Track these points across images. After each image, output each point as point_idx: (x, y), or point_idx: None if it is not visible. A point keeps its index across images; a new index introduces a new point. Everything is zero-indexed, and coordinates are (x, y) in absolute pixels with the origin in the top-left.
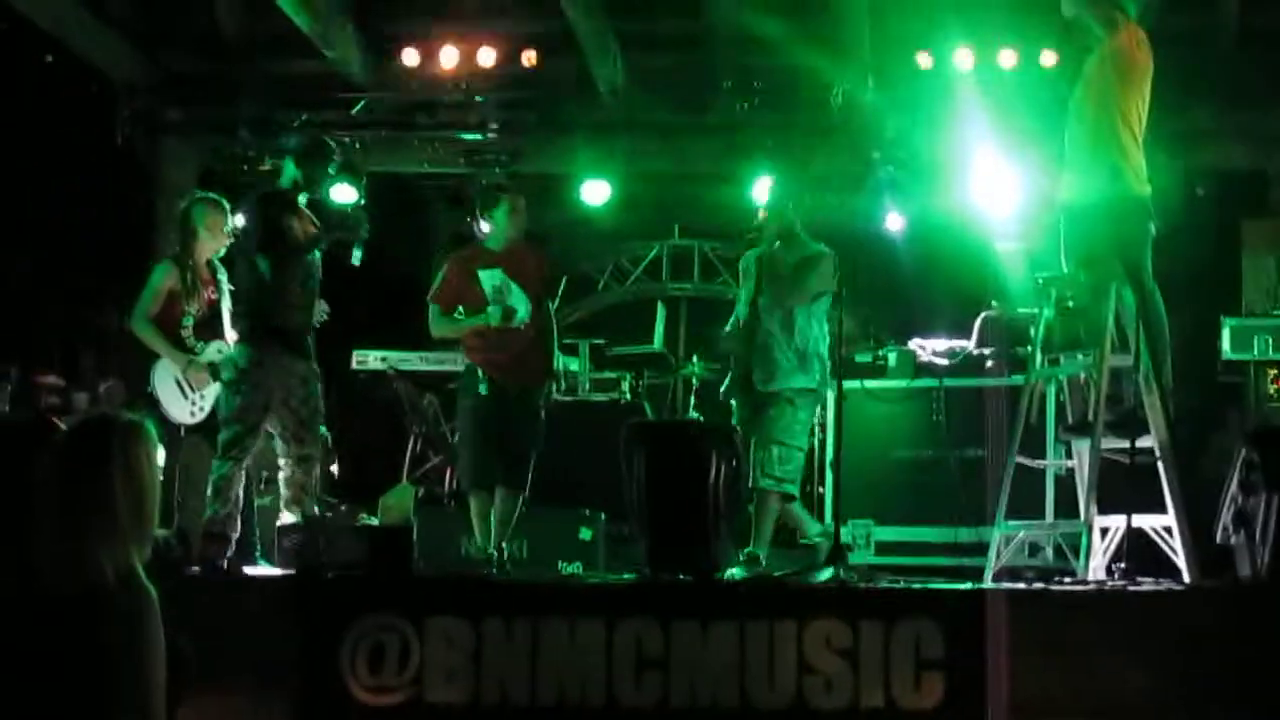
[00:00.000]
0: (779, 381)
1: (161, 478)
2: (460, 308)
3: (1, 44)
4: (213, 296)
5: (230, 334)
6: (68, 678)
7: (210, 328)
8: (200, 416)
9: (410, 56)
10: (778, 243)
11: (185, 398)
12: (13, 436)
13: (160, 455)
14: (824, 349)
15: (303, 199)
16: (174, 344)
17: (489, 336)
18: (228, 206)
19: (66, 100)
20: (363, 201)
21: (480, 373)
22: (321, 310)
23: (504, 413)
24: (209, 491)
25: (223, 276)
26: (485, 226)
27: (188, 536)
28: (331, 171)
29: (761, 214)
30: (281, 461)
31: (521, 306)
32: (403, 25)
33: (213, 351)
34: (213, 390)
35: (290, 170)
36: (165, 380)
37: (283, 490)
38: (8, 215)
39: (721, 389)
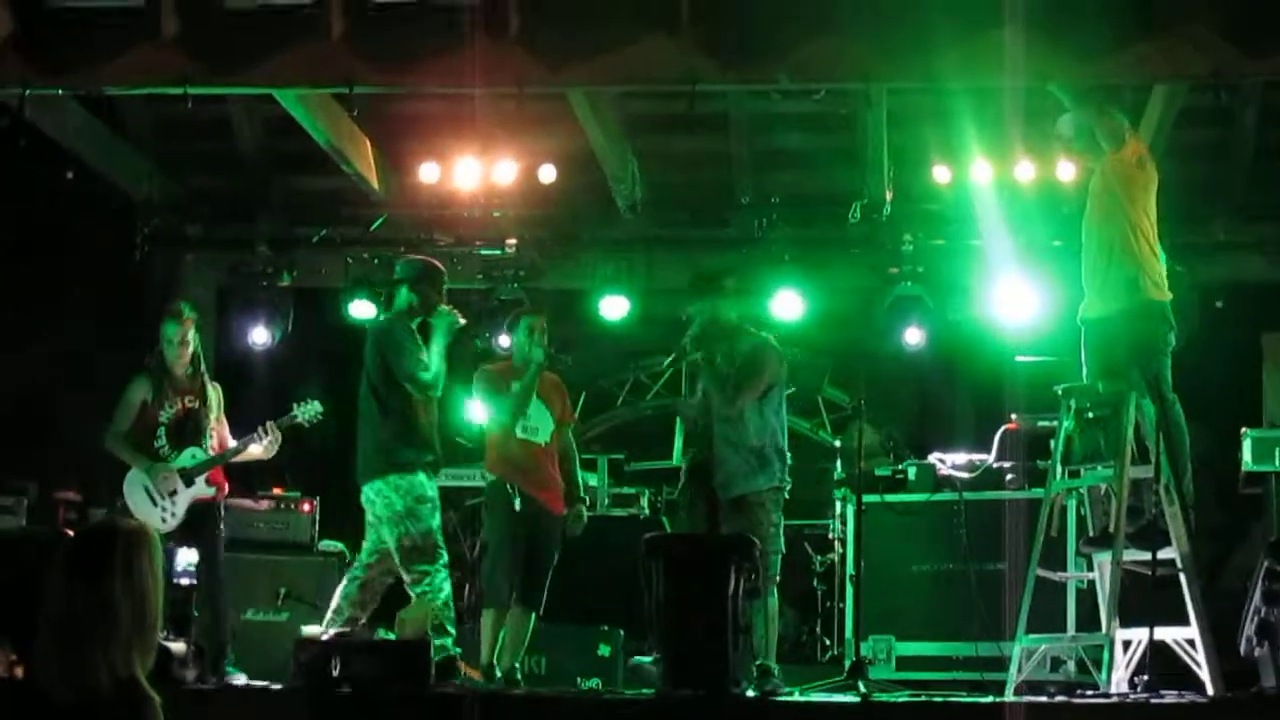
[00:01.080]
0: (739, 487)
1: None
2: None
3: (23, 160)
4: (189, 404)
5: (211, 442)
6: None
7: (184, 435)
8: (172, 523)
9: (429, 172)
10: (718, 343)
11: (155, 504)
12: (28, 550)
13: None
14: (783, 443)
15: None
16: (146, 453)
17: (517, 455)
18: (189, 315)
19: (86, 217)
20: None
21: (511, 487)
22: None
23: (533, 529)
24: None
25: (210, 388)
26: (504, 341)
27: (203, 650)
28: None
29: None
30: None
31: (543, 424)
32: (421, 141)
33: (186, 457)
34: (184, 496)
35: (404, 296)
36: (134, 489)
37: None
38: (27, 331)
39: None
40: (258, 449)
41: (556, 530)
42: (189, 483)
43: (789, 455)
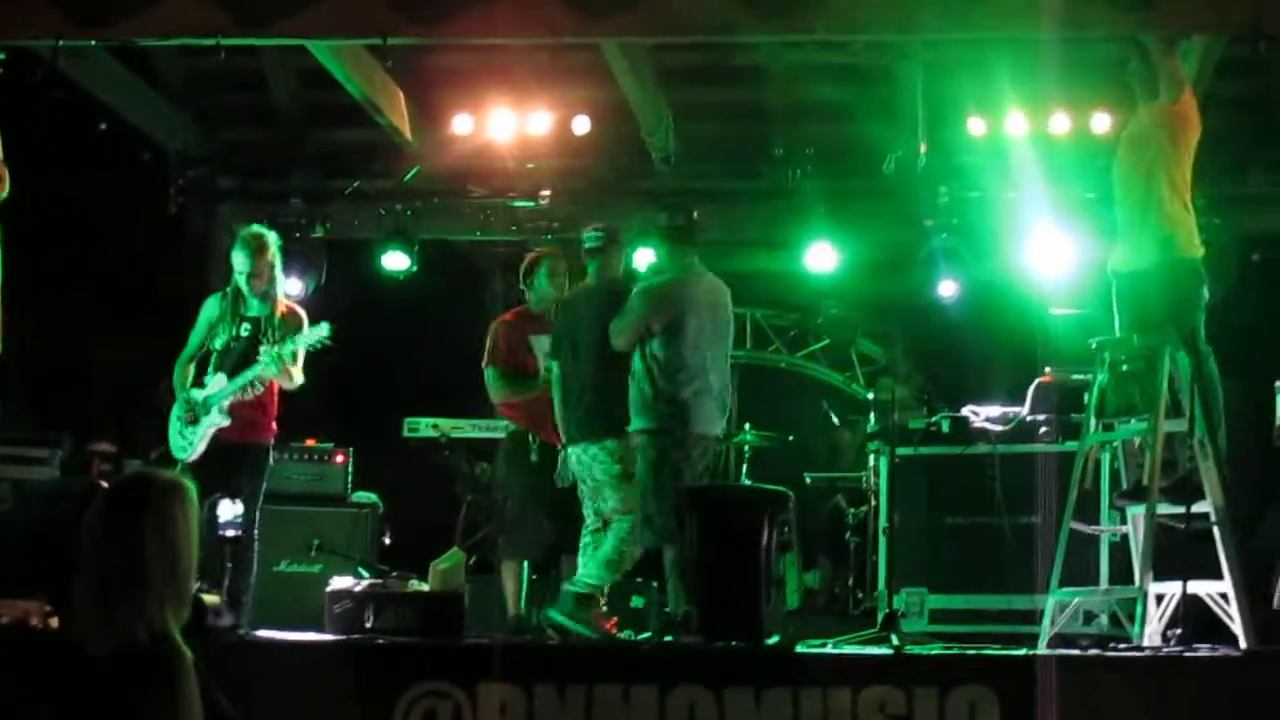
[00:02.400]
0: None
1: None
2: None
3: (57, 113)
4: (244, 333)
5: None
6: None
7: (227, 363)
8: (191, 454)
9: (462, 124)
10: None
11: (179, 434)
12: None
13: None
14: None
15: None
16: (197, 380)
17: (539, 406)
18: (254, 242)
19: (121, 169)
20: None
21: (531, 438)
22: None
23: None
24: None
25: (275, 321)
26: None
27: (237, 600)
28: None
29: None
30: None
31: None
32: (455, 93)
33: (209, 385)
34: (202, 424)
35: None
36: (170, 418)
37: None
38: (61, 283)
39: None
40: (269, 375)
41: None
42: (205, 410)
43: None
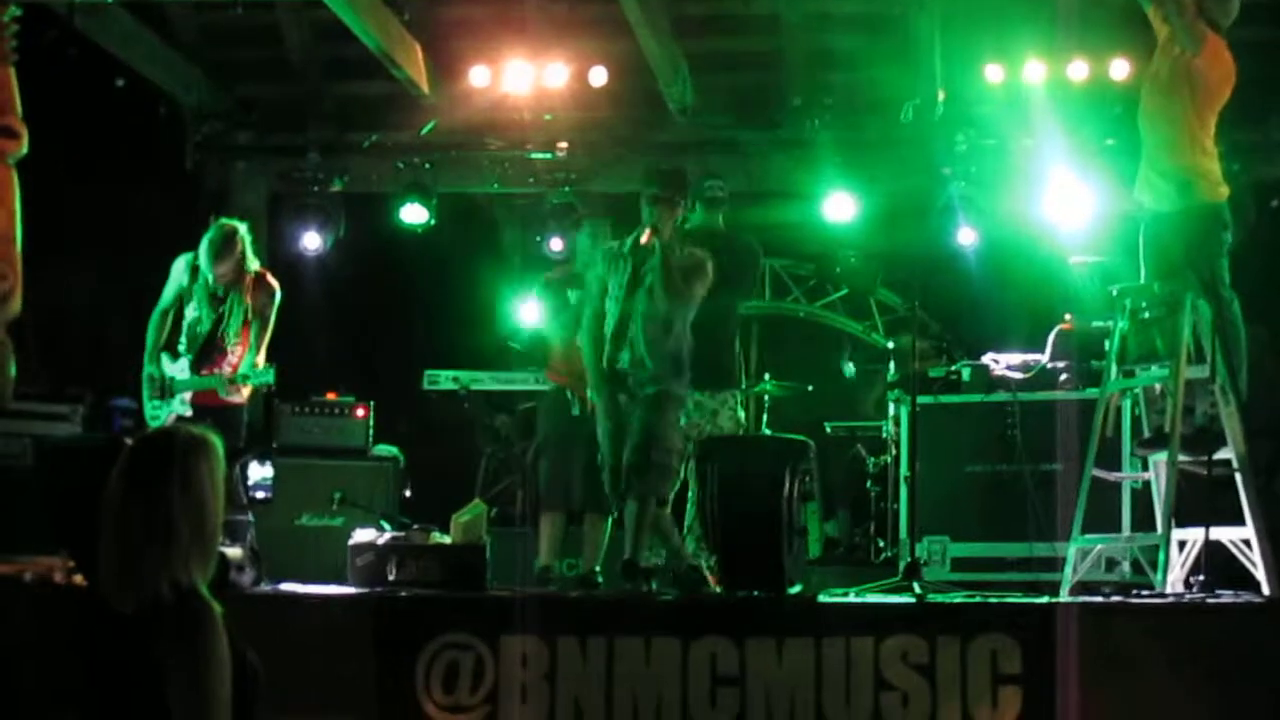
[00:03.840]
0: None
1: None
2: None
3: (72, 69)
4: (214, 313)
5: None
6: (131, 695)
7: (194, 343)
8: (153, 424)
9: (479, 76)
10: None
11: (149, 401)
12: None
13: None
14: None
15: None
16: (169, 347)
17: (575, 362)
18: (222, 236)
19: (136, 125)
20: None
21: (570, 394)
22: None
23: (592, 436)
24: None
25: (240, 302)
26: (556, 245)
27: (259, 554)
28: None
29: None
30: None
31: None
32: (471, 45)
33: (176, 369)
34: (164, 411)
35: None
36: (146, 382)
37: None
38: (78, 240)
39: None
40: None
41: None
42: (170, 393)
43: None
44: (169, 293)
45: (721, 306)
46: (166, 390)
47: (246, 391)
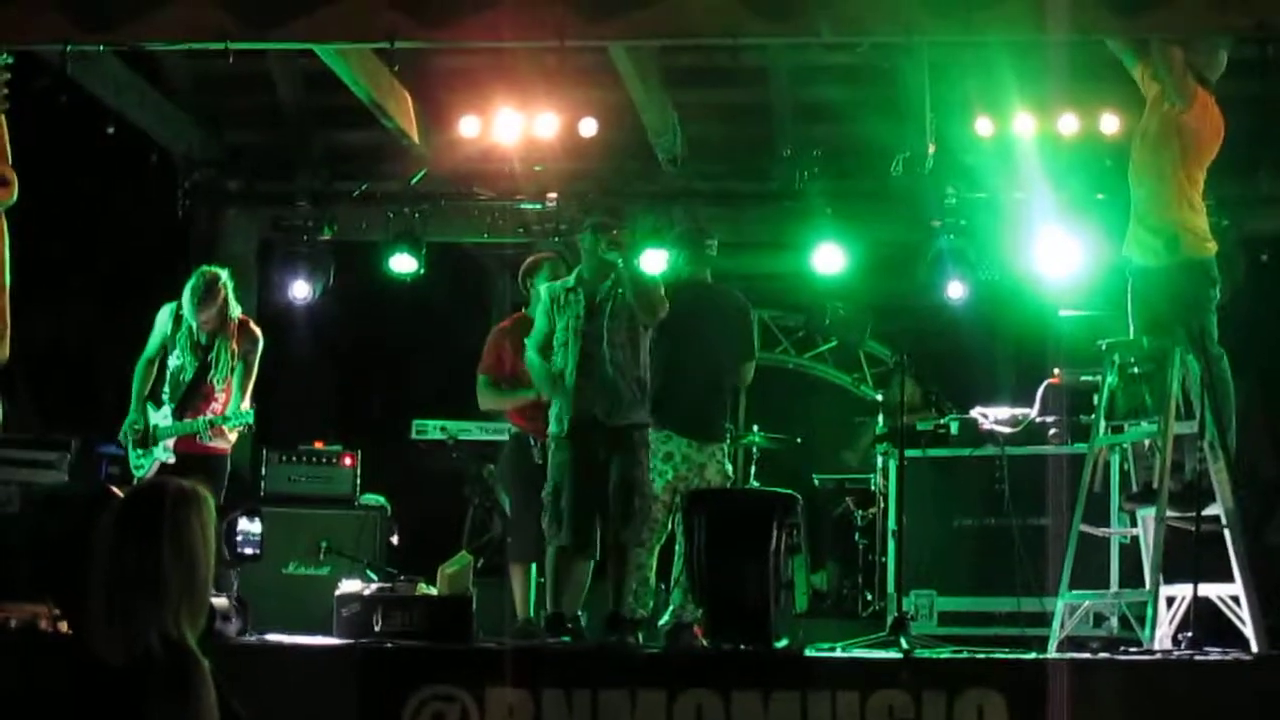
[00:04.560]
0: (626, 416)
1: None
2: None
3: (63, 116)
4: (196, 361)
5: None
6: None
7: (177, 391)
8: (141, 474)
9: (469, 126)
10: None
11: (134, 451)
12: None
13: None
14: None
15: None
16: (153, 395)
17: (537, 406)
18: (205, 284)
19: (127, 172)
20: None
21: (532, 440)
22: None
23: None
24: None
25: (226, 350)
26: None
27: (245, 604)
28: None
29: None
30: None
31: None
32: (461, 95)
33: (159, 416)
34: (149, 460)
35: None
36: (128, 433)
37: None
38: (68, 287)
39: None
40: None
41: None
42: (153, 441)
43: None
44: (153, 342)
45: (711, 359)
46: (150, 439)
47: (232, 437)
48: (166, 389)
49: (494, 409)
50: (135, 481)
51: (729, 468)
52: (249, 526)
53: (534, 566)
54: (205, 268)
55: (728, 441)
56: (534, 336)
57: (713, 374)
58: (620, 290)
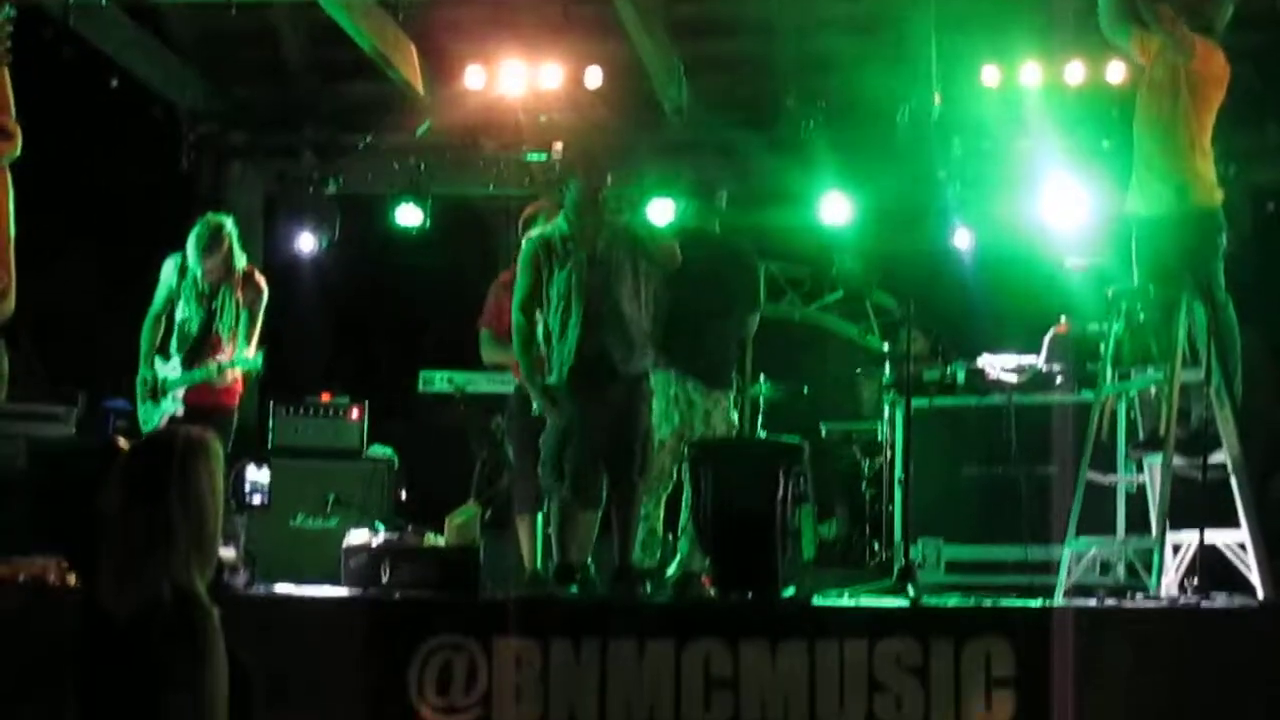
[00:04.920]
0: (638, 364)
1: None
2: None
3: (67, 70)
4: (204, 310)
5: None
6: (129, 698)
7: (185, 341)
8: (148, 429)
9: (474, 78)
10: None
11: (143, 404)
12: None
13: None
14: None
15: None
16: (161, 349)
17: (541, 358)
18: (210, 232)
19: (131, 126)
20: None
21: None
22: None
23: None
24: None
25: (232, 299)
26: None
27: (253, 557)
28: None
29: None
30: None
31: None
32: (466, 47)
33: (168, 368)
34: (158, 413)
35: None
36: (139, 386)
37: None
38: (71, 242)
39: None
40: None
41: None
42: (162, 393)
43: None
44: (160, 296)
45: (719, 308)
46: (159, 391)
47: (238, 389)
48: (174, 341)
49: (497, 363)
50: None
51: (734, 416)
52: (257, 475)
53: (540, 517)
54: (210, 215)
55: (734, 390)
56: (518, 294)
57: (720, 323)
58: (626, 240)
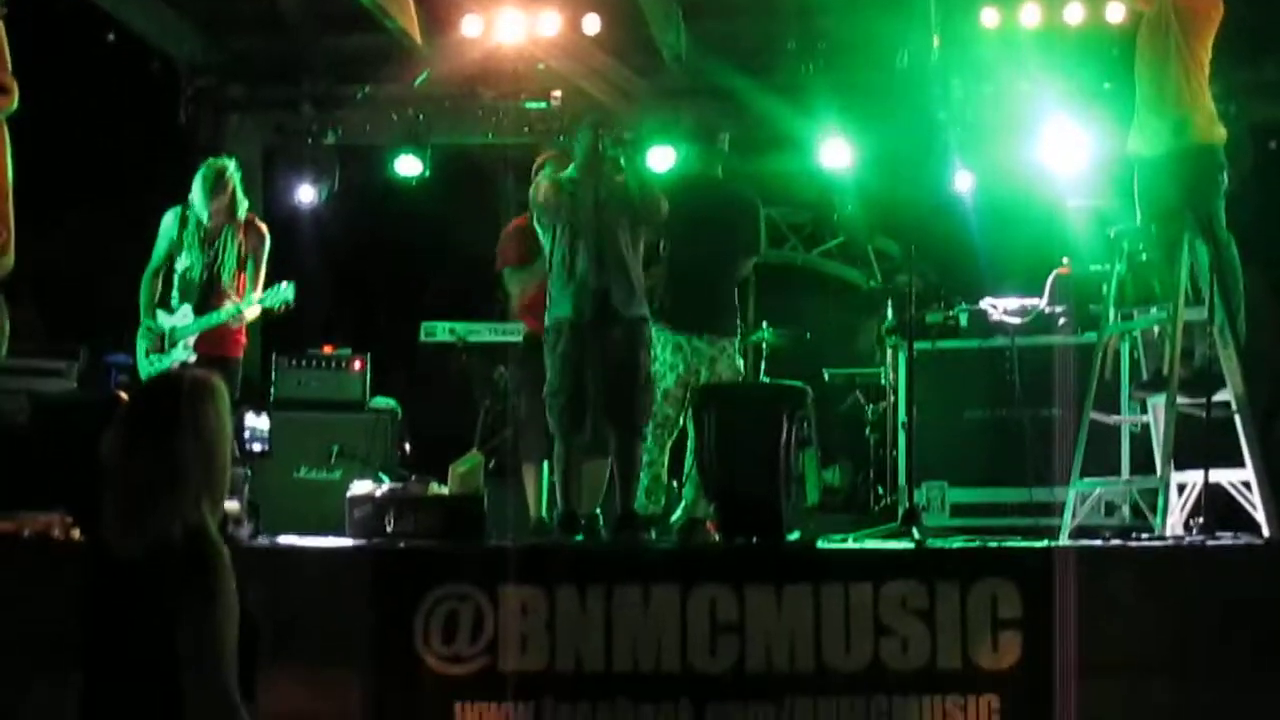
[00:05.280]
0: (635, 309)
1: None
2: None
3: (63, 24)
4: (208, 257)
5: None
6: (138, 643)
7: (191, 291)
8: None
9: (472, 26)
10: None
11: (145, 364)
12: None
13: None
14: None
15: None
16: (163, 303)
17: (544, 306)
18: (214, 174)
19: (129, 80)
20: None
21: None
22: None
23: None
24: None
25: (234, 243)
26: None
27: (257, 507)
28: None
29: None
30: None
31: None
32: None
33: (177, 316)
34: (166, 358)
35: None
36: (138, 345)
37: None
38: (70, 196)
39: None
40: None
41: None
42: (172, 343)
43: None
44: (159, 249)
45: (722, 253)
46: (166, 342)
47: (243, 340)
48: (176, 293)
49: (526, 288)
50: None
51: (740, 363)
52: (256, 422)
53: (545, 465)
54: (213, 159)
55: (738, 337)
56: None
57: (723, 269)
58: (614, 186)
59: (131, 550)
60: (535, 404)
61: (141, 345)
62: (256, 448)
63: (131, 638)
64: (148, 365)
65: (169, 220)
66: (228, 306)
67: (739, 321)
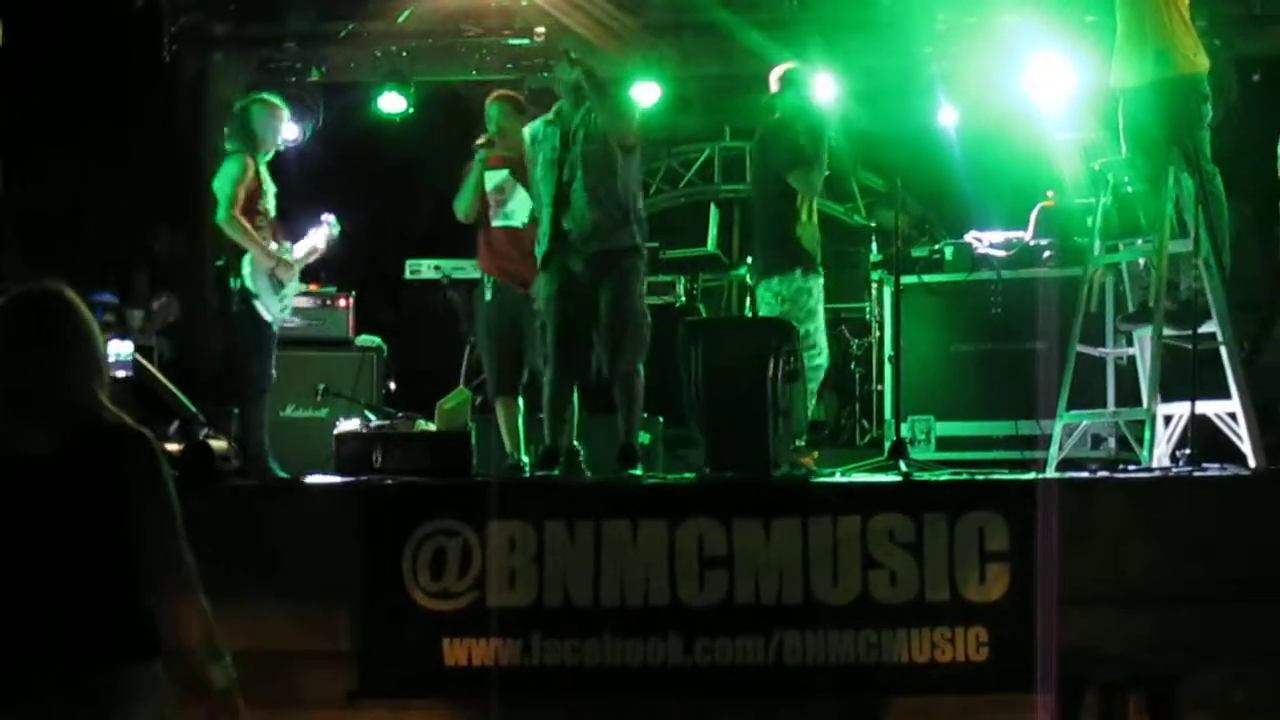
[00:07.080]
0: (605, 241)
1: None
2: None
3: None
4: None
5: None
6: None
7: (278, 230)
8: (284, 315)
9: None
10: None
11: (277, 294)
12: None
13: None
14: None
15: None
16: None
17: (495, 243)
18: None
19: (112, 17)
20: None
21: (485, 279)
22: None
23: (514, 317)
24: None
25: (268, 184)
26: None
27: (244, 444)
28: None
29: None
30: None
31: (523, 209)
32: None
33: (289, 250)
34: (294, 288)
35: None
36: (260, 275)
37: None
38: (53, 134)
39: None
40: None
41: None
42: (292, 277)
43: None
44: (244, 193)
45: (760, 194)
46: (298, 274)
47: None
48: (270, 230)
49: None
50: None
51: (813, 287)
52: (117, 347)
53: (522, 402)
54: (264, 94)
55: (799, 270)
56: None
57: (764, 209)
58: (592, 116)
59: (40, 446)
60: (486, 342)
61: (266, 275)
62: (119, 374)
63: (47, 529)
64: (276, 302)
65: (236, 168)
66: (332, 219)
67: (800, 254)
